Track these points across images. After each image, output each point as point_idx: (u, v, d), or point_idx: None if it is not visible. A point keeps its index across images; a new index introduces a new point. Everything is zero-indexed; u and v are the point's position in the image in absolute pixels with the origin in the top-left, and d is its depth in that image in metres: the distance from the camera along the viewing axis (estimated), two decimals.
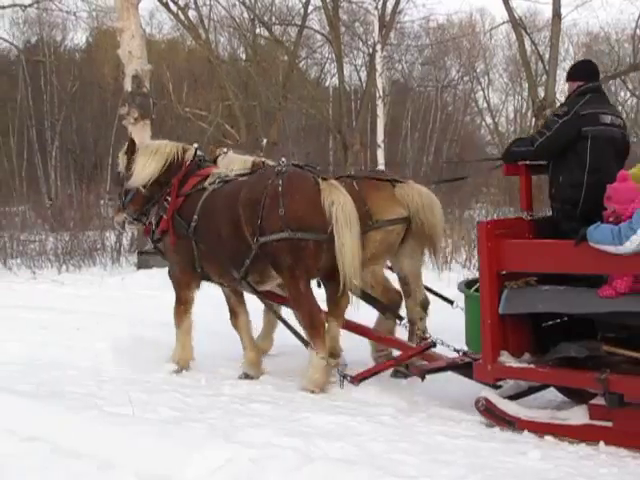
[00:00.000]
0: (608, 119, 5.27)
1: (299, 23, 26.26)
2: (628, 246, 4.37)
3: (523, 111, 39.46)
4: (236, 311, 6.73)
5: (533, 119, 21.19)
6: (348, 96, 29.97)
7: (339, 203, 5.80)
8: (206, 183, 6.62)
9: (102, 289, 11.64)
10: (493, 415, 5.09)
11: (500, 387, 5.35)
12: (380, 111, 18.20)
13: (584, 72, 5.57)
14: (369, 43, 26.89)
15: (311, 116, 29.56)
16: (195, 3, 25.65)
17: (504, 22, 24.07)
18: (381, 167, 17.69)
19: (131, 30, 13.99)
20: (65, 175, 32.27)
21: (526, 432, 4.84)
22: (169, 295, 7.07)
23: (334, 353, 6.26)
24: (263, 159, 7.31)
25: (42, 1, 25.64)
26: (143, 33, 14.94)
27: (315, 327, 5.93)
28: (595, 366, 4.70)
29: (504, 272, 5.07)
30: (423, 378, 5.72)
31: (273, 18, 27.49)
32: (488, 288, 5.02)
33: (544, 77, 23.70)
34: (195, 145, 7.16)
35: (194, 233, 6.43)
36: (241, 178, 6.42)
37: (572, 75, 5.58)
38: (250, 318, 6.76)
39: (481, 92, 39.16)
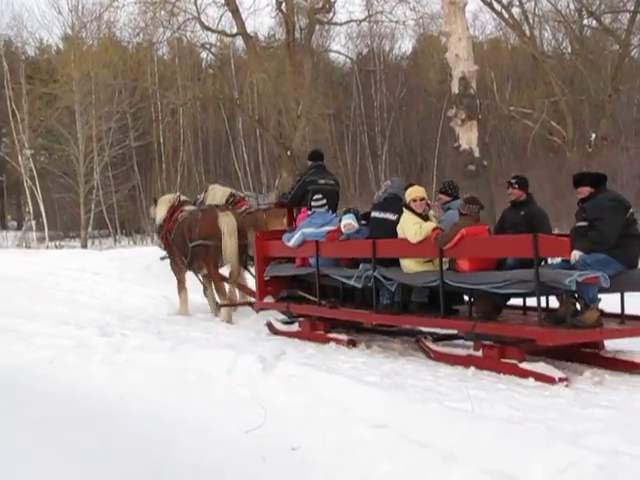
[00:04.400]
0: (323, 181, 10.00)
1: (632, 9, 24.70)
2: (290, 244, 9.21)
3: None
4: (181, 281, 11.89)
5: None
6: None
7: (226, 222, 10.84)
8: (180, 215, 11.78)
9: None
10: (271, 329, 9.74)
11: (283, 316, 9.90)
12: None
13: (314, 157, 10.39)
14: None
15: None
16: (519, 0, 25.38)
17: None
18: None
19: (458, 33, 14.25)
20: None
21: None
22: None
23: (232, 299, 11.37)
24: (233, 190, 12.90)
25: (375, 14, 27.02)
26: (469, 35, 15.11)
27: (220, 289, 11.25)
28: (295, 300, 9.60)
29: (270, 256, 10.01)
30: (258, 311, 10.40)
31: (602, 7, 26.18)
32: (258, 264, 10.09)
33: None
34: (178, 193, 13.40)
35: (172, 241, 11.76)
36: (192, 213, 11.64)
37: (308, 157, 10.57)
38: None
39: None
